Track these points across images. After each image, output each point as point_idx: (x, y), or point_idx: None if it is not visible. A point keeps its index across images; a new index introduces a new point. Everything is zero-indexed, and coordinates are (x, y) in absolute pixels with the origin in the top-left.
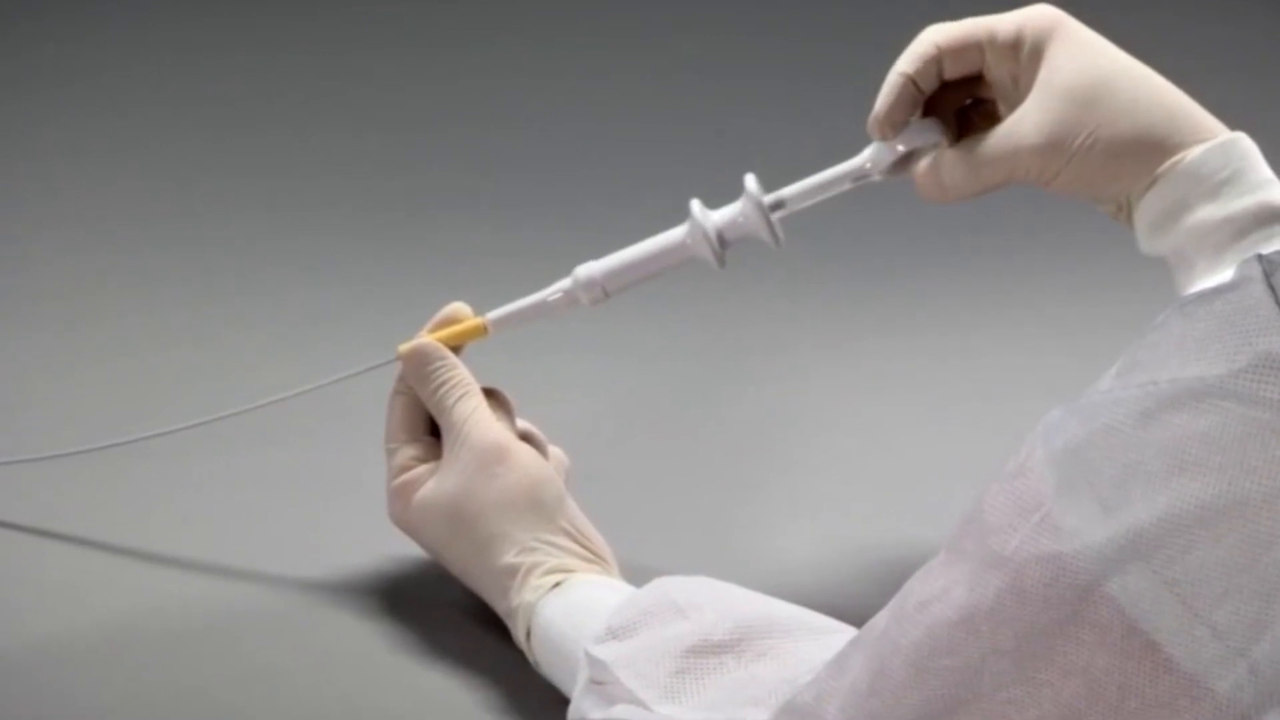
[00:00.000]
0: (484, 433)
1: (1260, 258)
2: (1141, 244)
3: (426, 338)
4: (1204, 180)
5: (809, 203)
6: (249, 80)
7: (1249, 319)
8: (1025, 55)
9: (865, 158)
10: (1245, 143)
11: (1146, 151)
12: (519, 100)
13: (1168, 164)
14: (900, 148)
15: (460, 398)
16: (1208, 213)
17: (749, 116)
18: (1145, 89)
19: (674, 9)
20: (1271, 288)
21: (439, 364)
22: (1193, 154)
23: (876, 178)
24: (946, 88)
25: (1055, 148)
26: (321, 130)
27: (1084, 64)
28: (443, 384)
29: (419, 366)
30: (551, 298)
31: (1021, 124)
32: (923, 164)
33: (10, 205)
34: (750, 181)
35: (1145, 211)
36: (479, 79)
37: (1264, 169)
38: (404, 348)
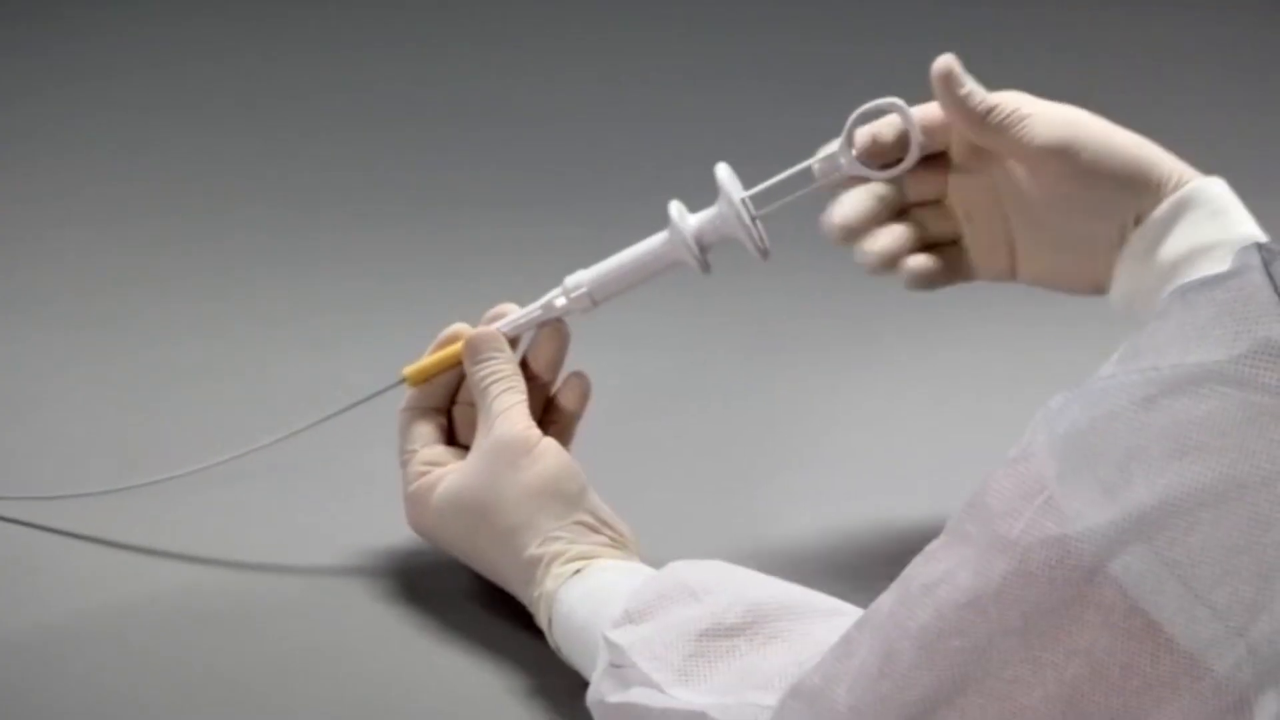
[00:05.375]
0: (512, 425)
1: (1260, 246)
2: (1120, 284)
3: (419, 363)
4: (1204, 206)
5: (790, 197)
6: (258, 81)
7: (1248, 306)
8: (995, 123)
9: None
10: (1223, 186)
11: (1139, 185)
12: (521, 101)
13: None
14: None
15: (503, 391)
16: (1205, 236)
17: (753, 115)
18: (1127, 135)
19: (677, 10)
20: (1270, 275)
21: (494, 354)
22: (1190, 187)
23: (858, 171)
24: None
25: (1064, 150)
26: (340, 128)
27: (1067, 113)
28: (491, 373)
29: (475, 352)
30: (542, 311)
31: (1034, 120)
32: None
33: (21, 205)
34: (724, 176)
35: (1136, 244)
36: (481, 80)
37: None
38: (409, 369)
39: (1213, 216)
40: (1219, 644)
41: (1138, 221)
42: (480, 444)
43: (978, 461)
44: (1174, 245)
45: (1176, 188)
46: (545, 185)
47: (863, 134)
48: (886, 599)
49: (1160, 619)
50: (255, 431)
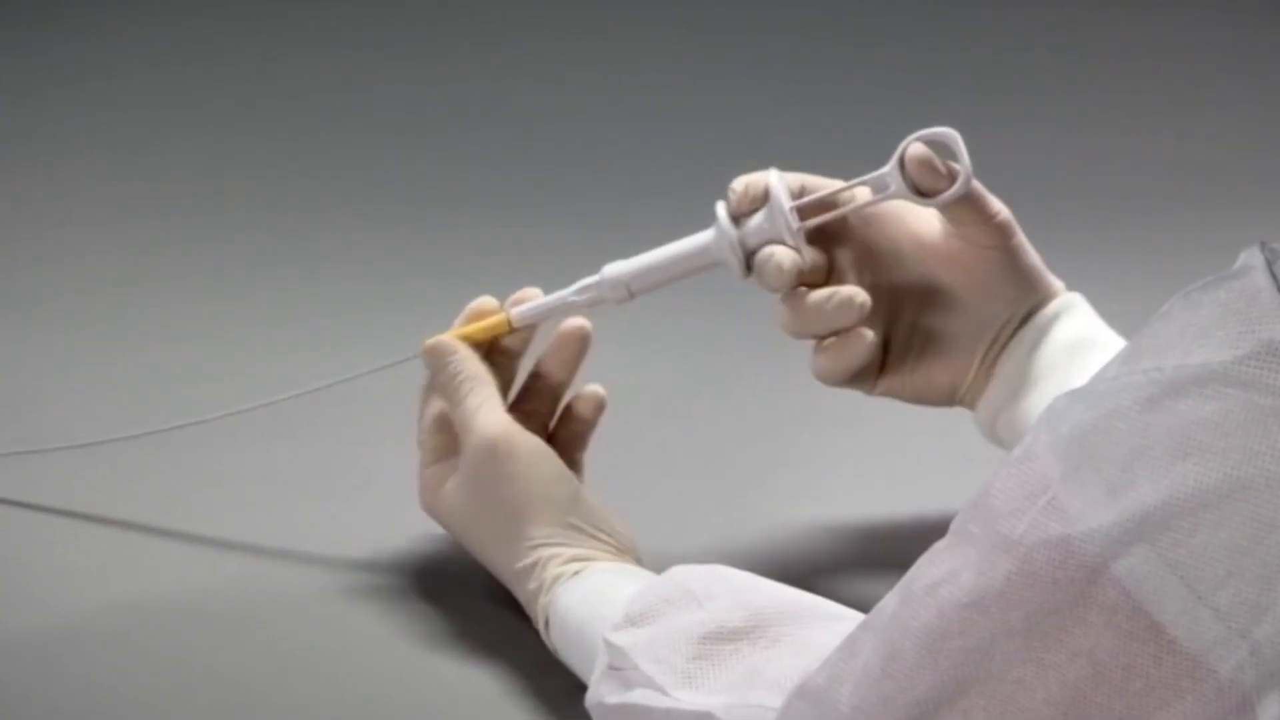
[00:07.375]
0: (487, 426)
1: (1263, 246)
2: (1004, 370)
3: (450, 333)
4: (1083, 306)
5: (835, 213)
6: (263, 78)
7: (1251, 307)
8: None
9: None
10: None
11: (1040, 283)
12: (521, 101)
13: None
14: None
15: (470, 391)
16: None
17: (753, 115)
18: None
19: (677, 10)
20: (1274, 276)
21: (452, 358)
22: (1071, 294)
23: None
24: None
25: (1007, 229)
26: (341, 128)
27: None
28: (455, 376)
29: (435, 360)
30: (577, 296)
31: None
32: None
33: (25, 204)
34: (775, 183)
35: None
36: (481, 80)
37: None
38: (428, 343)
39: (1090, 314)
40: (1222, 646)
41: (1027, 318)
42: (464, 448)
43: (980, 462)
44: (1063, 332)
45: (1059, 293)
46: (545, 185)
47: (914, 159)
48: (890, 600)
49: (1163, 620)
50: (255, 431)
